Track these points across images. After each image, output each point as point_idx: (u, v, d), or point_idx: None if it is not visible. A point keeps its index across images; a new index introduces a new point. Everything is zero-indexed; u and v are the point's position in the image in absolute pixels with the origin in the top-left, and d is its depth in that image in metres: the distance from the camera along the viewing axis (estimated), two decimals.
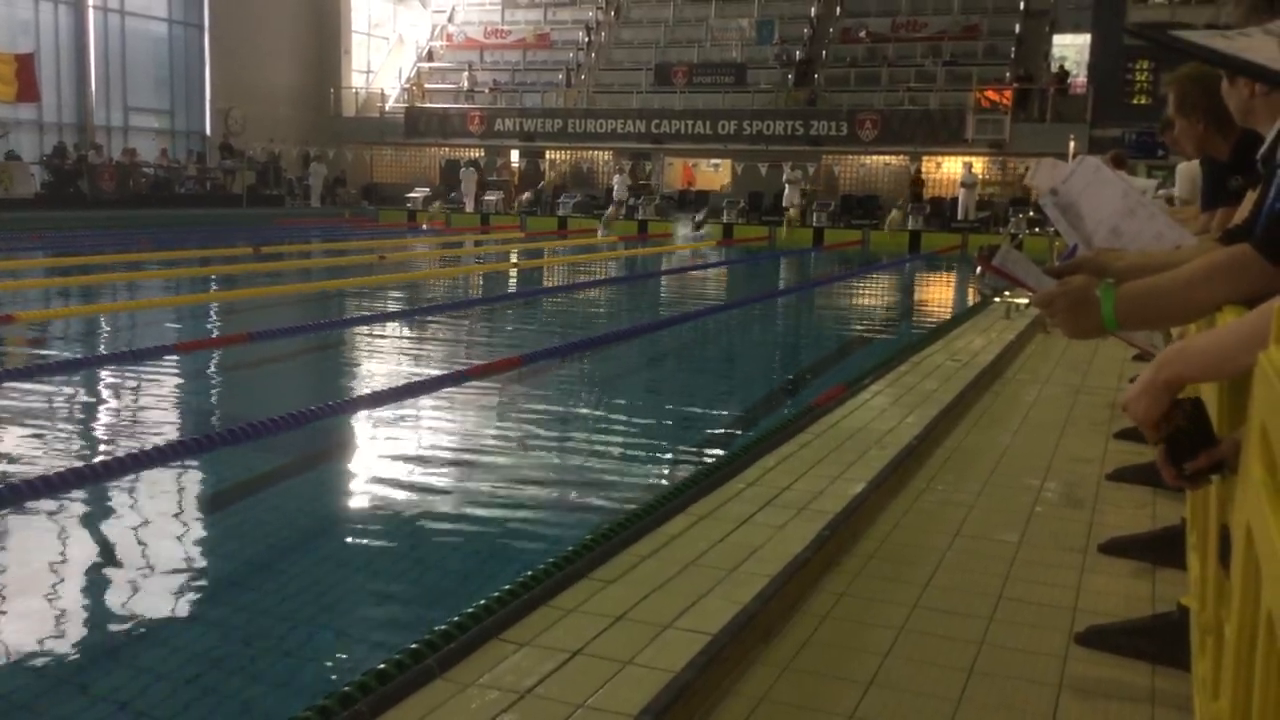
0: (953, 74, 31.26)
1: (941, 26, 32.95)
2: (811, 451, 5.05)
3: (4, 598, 3.97)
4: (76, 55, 28.98)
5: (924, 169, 30.36)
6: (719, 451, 6.08)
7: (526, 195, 32.91)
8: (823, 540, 3.78)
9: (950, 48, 32.21)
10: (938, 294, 18.41)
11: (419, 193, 33.35)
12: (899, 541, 4.07)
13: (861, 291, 16.67)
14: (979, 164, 29.74)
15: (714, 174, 34.48)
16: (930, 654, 3.07)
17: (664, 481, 5.63)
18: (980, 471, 5.05)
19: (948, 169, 30.41)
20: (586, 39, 37.17)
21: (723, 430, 6.97)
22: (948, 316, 11.40)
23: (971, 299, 13.19)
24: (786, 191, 29.85)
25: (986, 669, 2.98)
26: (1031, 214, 26.32)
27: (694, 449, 6.44)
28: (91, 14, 29.22)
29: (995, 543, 4.04)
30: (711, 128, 31.64)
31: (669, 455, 6.39)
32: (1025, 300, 11.02)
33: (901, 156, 30.58)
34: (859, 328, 13.02)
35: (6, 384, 7.50)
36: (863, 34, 33.64)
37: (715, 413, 7.73)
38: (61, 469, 5.35)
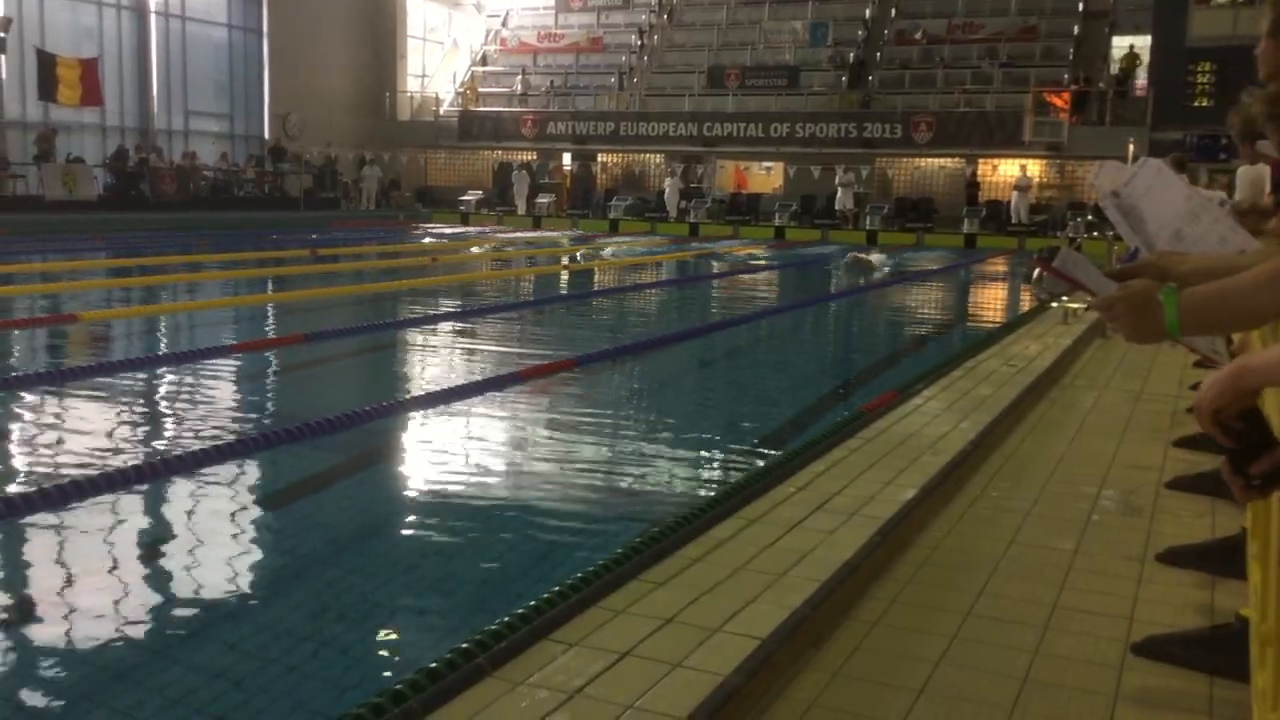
0: (1009, 76, 30.90)
1: (998, 28, 32.59)
2: (863, 457, 5.01)
3: (66, 592, 4.06)
4: (139, 60, 29.55)
5: (980, 172, 30.04)
6: (769, 455, 6.06)
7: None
8: (874, 546, 3.75)
9: (1007, 49, 31.85)
10: (993, 298, 18.20)
11: (472, 195, 33.60)
12: (952, 548, 4.03)
13: (915, 295, 16.52)
14: (1036, 167, 29.37)
15: (766, 177, 34.36)
16: (983, 662, 3.04)
17: (714, 485, 5.62)
18: (1036, 478, 4.99)
19: (1004, 171, 30.07)
20: (639, 42, 37.23)
21: (773, 434, 6.94)
22: (1003, 321, 11.27)
23: (1028, 303, 13.03)
24: (839, 195, 29.68)
25: (1041, 678, 2.94)
26: (1089, 217, 25.97)
27: (744, 453, 6.42)
28: (154, 20, 29.77)
29: (1050, 551, 3.98)
30: (764, 130, 31.54)
31: (719, 459, 6.38)
32: (1084, 304, 10.87)
33: (957, 159, 30.29)
34: (912, 332, 12.91)
35: (69, 382, 7.66)
36: (918, 35, 33.37)
37: (765, 417, 7.70)
38: (122, 466, 5.46)
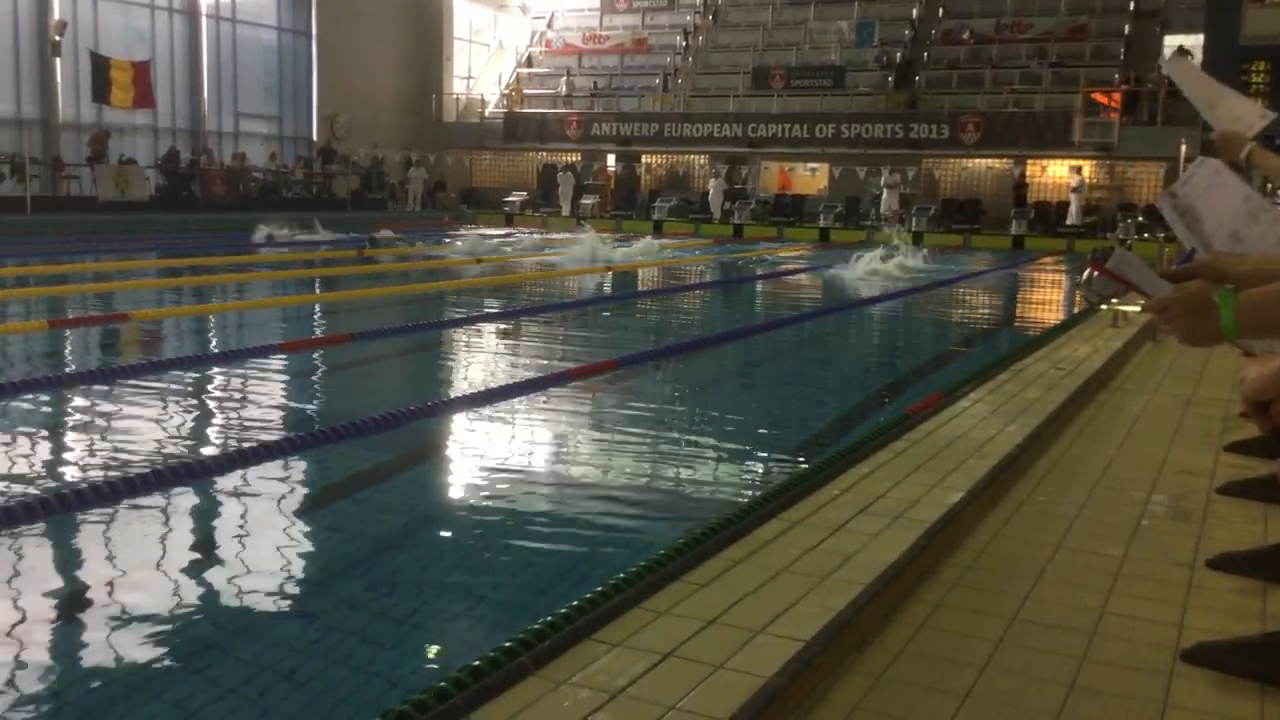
0: (1059, 76, 30.56)
1: (1047, 27, 32.25)
2: (907, 459, 4.98)
3: (119, 586, 4.12)
4: (190, 63, 29.99)
5: (1029, 172, 29.73)
6: (812, 457, 6.04)
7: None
8: (919, 549, 3.72)
9: (1056, 49, 31.50)
10: (1041, 300, 18.01)
11: (516, 197, 33.77)
12: (998, 552, 3.99)
13: (962, 297, 16.38)
14: (1086, 168, 29.02)
15: (811, 178, 34.25)
16: (1029, 667, 3.00)
17: (757, 486, 5.61)
18: (1084, 483, 4.93)
19: (1053, 172, 29.73)
20: (684, 43, 37.22)
21: (816, 436, 6.91)
22: (1052, 323, 11.15)
23: (1077, 305, 12.88)
24: (884, 196, 29.51)
25: (1088, 684, 2.90)
26: (1140, 218, 25.64)
27: (787, 454, 6.40)
28: (205, 23, 30.21)
29: (1099, 556, 3.93)
30: (809, 131, 31.41)
31: (761, 460, 6.36)
32: (1137, 307, 10.73)
33: (1005, 160, 30.00)
34: (959, 334, 12.81)
35: (120, 380, 7.79)
36: (965, 35, 33.09)
37: (808, 418, 7.67)
38: (171, 463, 5.55)
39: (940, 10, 34.46)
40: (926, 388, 7.97)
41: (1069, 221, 27.77)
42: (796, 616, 3.11)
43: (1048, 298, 18.47)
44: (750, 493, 5.39)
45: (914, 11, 34.82)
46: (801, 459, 6.14)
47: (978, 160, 30.66)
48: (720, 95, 34.23)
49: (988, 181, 30.74)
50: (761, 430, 7.23)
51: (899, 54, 33.40)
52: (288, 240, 20.90)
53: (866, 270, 17.17)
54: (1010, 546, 4.06)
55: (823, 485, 4.50)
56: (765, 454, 6.51)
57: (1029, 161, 29.77)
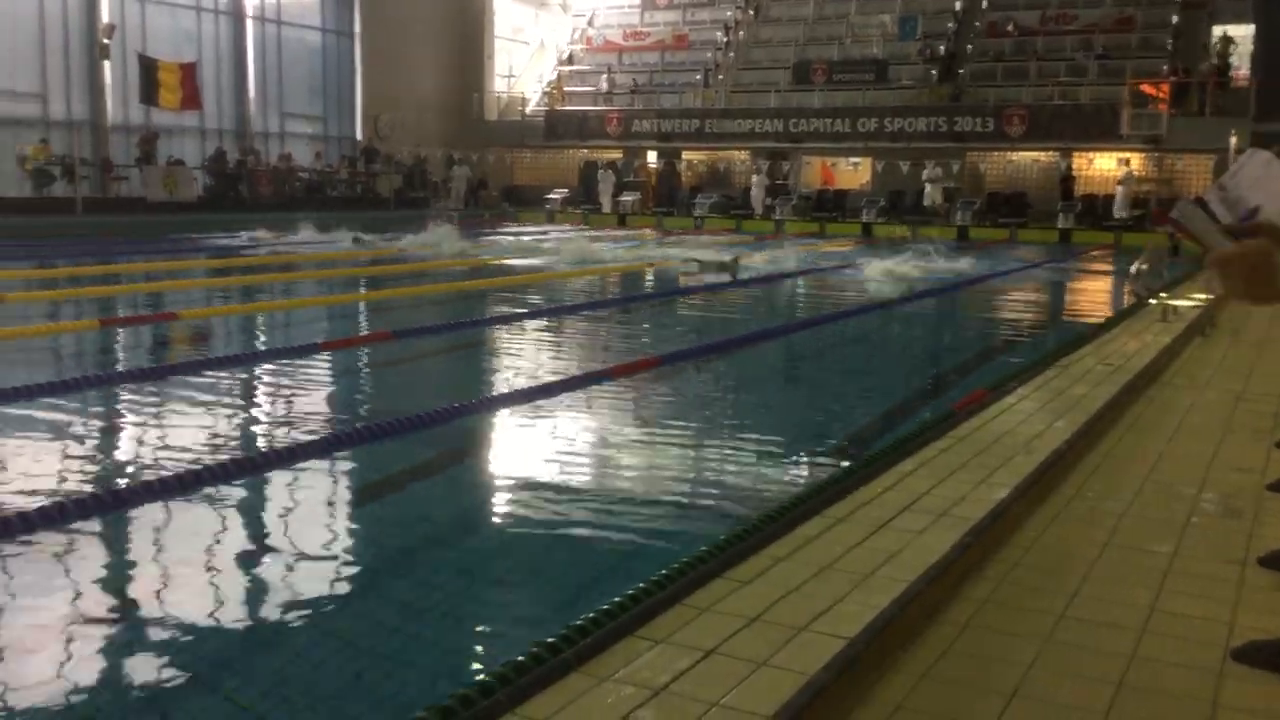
0: (1105, 68, 30.14)
1: (1093, 19, 31.81)
2: (952, 456, 4.94)
3: (170, 581, 4.19)
4: (236, 64, 30.33)
5: (1075, 165, 29.36)
6: (856, 455, 6.01)
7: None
8: (964, 547, 3.70)
9: (1102, 40, 31.08)
10: (1089, 295, 17.79)
11: (557, 194, 33.85)
12: (1045, 550, 3.95)
13: (1008, 292, 16.22)
14: (1134, 160, 28.61)
15: (853, 173, 34.02)
16: (1077, 666, 2.98)
17: (800, 484, 5.59)
18: (1132, 480, 4.87)
19: (1100, 165, 29.35)
20: (725, 39, 37.12)
21: (860, 433, 6.88)
22: (1099, 318, 11.01)
23: (1126, 300, 12.71)
24: (928, 190, 29.26)
25: (1136, 683, 2.87)
26: None
27: (830, 452, 6.37)
28: (250, 24, 30.54)
29: (1147, 554, 3.89)
30: (851, 125, 31.21)
31: (804, 457, 6.34)
32: (1187, 301, 10.56)
33: (1051, 153, 29.66)
34: (1005, 329, 12.68)
35: (169, 378, 7.91)
36: (1010, 27, 32.72)
37: (852, 416, 7.64)
38: (222, 460, 5.63)
39: (984, 2, 34.10)
40: (971, 384, 7.91)
41: (1115, 214, 27.40)
42: (840, 614, 3.10)
43: (1095, 292, 18.24)
44: (793, 490, 5.37)
45: (957, 4, 34.49)
46: (845, 456, 6.11)
47: (1023, 153, 30.33)
48: (761, 90, 34.09)
49: (1034, 175, 30.40)
50: (804, 427, 7.20)
51: (942, 47, 33.10)
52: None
53: (880, 272, 16.79)
54: (1057, 544, 4.02)
55: (866, 482, 4.48)
56: (808, 451, 6.48)
57: (1075, 154, 29.39)
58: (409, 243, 20.77)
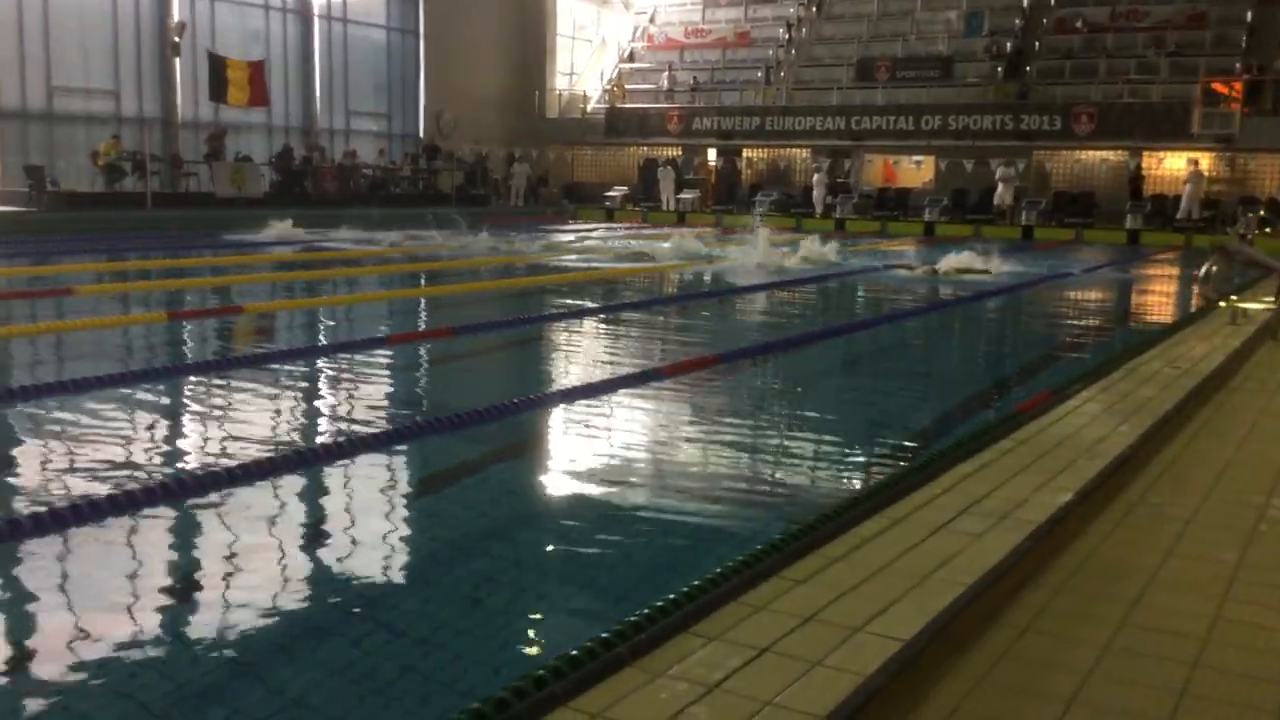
0: (1177, 65, 29.54)
1: (1165, 15, 31.19)
2: (1014, 459, 4.88)
3: (229, 570, 4.27)
4: (303, 62, 30.80)
5: (1145, 165, 28.81)
6: (914, 455, 5.95)
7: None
8: (1023, 551, 3.65)
9: (1174, 37, 30.45)
10: (1157, 296, 17.46)
11: (617, 191, 33.92)
12: (1107, 556, 3.89)
13: (1073, 293, 15.97)
14: (1205, 159, 28.01)
15: (916, 171, 33.68)
16: (1138, 674, 2.93)
17: (856, 484, 5.56)
18: (1199, 485, 4.77)
19: (1170, 165, 28.77)
20: (787, 36, 36.93)
21: (918, 434, 6.81)
22: (1167, 321, 10.81)
23: (1194, 302, 12.46)
24: (1000, 190, 28.86)
25: (1200, 692, 2.82)
26: (1262, 212, 24.68)
27: (887, 452, 6.32)
28: (317, 23, 30.99)
29: (1213, 562, 3.81)
30: (915, 123, 30.91)
31: (861, 457, 6.29)
32: (1257, 305, 10.32)
33: (1120, 152, 29.13)
34: (1069, 331, 12.49)
35: (234, 369, 8.05)
36: (1079, 24, 32.19)
37: (911, 416, 7.56)
38: (284, 453, 5.72)
39: None
40: (1035, 386, 7.80)
41: (1180, 215, 26.87)
42: (896, 616, 3.07)
43: (1164, 294, 17.89)
44: (850, 490, 5.34)
45: (1025, 1, 34.00)
46: (903, 457, 6.05)
47: (1091, 152, 29.82)
48: (823, 88, 33.88)
49: (1102, 174, 29.88)
50: (862, 427, 7.15)
51: (1009, 44, 32.65)
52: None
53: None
54: (1120, 550, 3.96)
55: (925, 484, 4.44)
56: (865, 451, 6.44)
57: (1145, 154, 28.84)
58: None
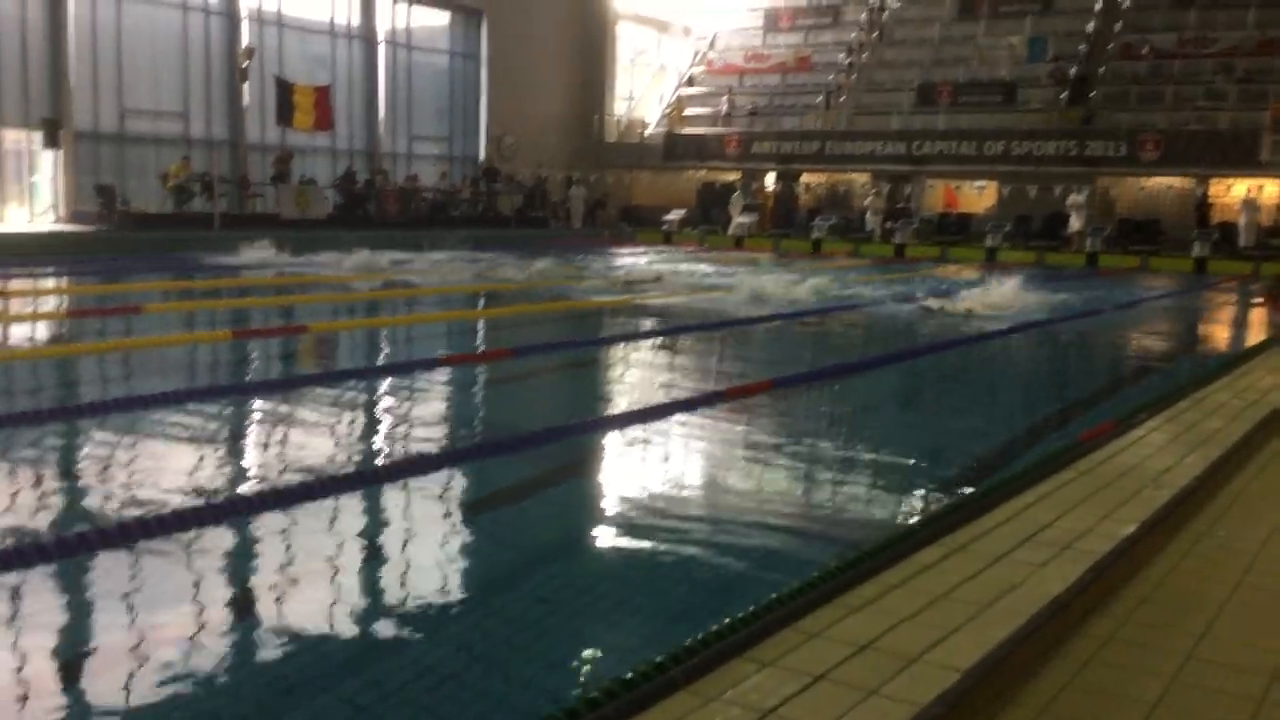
0: (1246, 92, 29.02)
1: (1234, 41, 30.66)
2: (1077, 489, 4.80)
3: (291, 585, 4.31)
4: (367, 87, 31.30)
5: (1212, 192, 28.30)
6: (975, 484, 5.87)
7: None
8: (1086, 582, 3.58)
9: (1244, 64, 29.92)
10: (1224, 326, 17.10)
11: (674, 215, 33.97)
12: (1173, 588, 3.80)
13: (1138, 321, 15.69)
14: (1274, 188, 27.45)
15: (977, 196, 33.36)
16: (1205, 709, 2.85)
17: (914, 512, 5.49)
18: (1268, 518, 4.66)
19: (1238, 192, 28.24)
20: (848, 60, 36.86)
21: (978, 463, 6.72)
22: (1234, 351, 10.57)
23: (1263, 332, 12.18)
24: (1071, 218, 28.48)
25: None
26: None
27: (946, 480, 6.23)
28: (381, 49, 31.50)
29: None
30: (977, 148, 30.64)
31: (920, 485, 6.22)
32: None
33: (1186, 179, 28.65)
34: (1134, 360, 12.27)
35: (296, 389, 8.16)
36: (1145, 50, 31.76)
37: (973, 444, 7.46)
38: (346, 471, 5.79)
39: (1118, 24, 33.18)
40: (1098, 416, 7.67)
41: (1242, 244, 26.36)
42: (954, 645, 3.03)
43: (1231, 323, 17.53)
44: (908, 518, 5.27)
45: (1089, 26, 33.63)
46: (964, 485, 5.97)
47: (1157, 179, 29.35)
48: (883, 113, 33.73)
49: (1168, 201, 29.38)
50: (921, 455, 7.07)
51: (1073, 70, 32.30)
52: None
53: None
54: (1186, 582, 3.87)
55: (985, 513, 4.38)
56: (924, 479, 6.36)
57: (1213, 181, 28.33)
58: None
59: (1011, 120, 31.07)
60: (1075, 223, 28.42)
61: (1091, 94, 31.45)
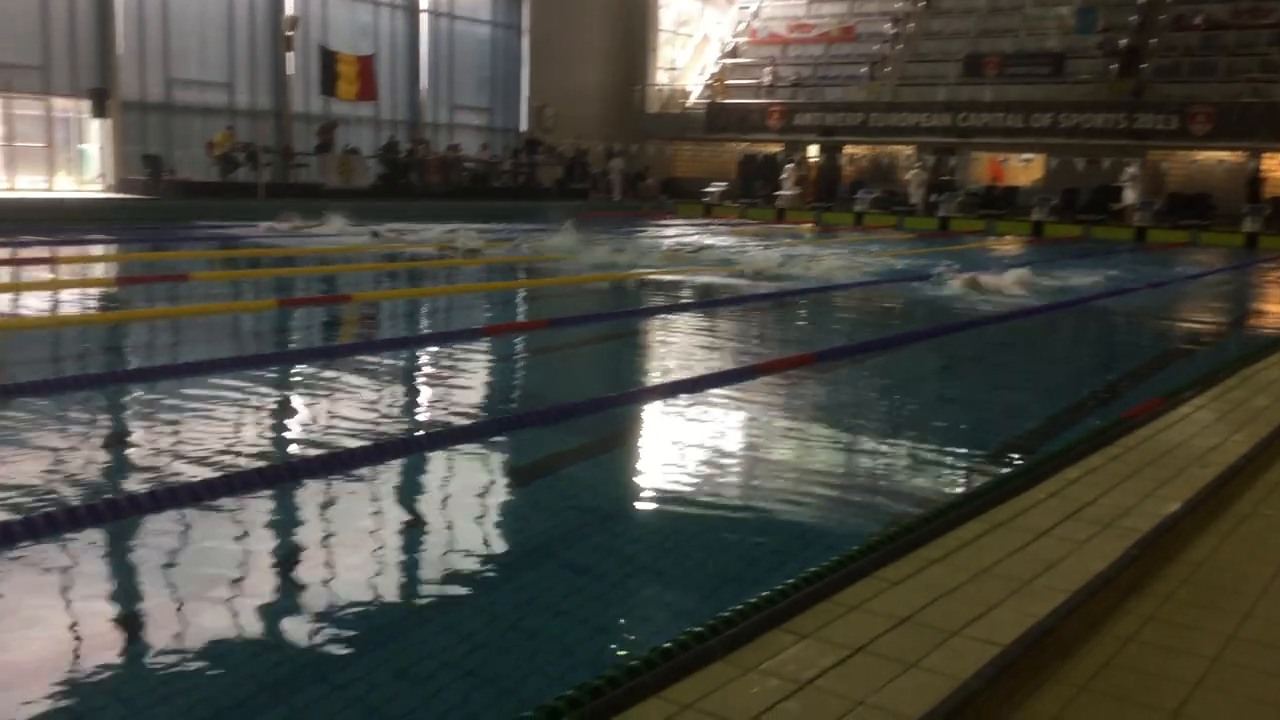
0: None
1: None
2: (1121, 465, 4.75)
3: (331, 553, 4.38)
4: (410, 57, 31.36)
5: (1265, 166, 27.75)
6: (1017, 460, 5.83)
7: None
8: (1129, 559, 3.55)
9: None
10: (1274, 303, 16.81)
11: (715, 187, 33.81)
12: (1217, 567, 3.76)
13: (1187, 297, 15.47)
14: None
15: (1025, 169, 32.91)
16: (1247, 688, 2.83)
17: (956, 486, 5.47)
18: None
19: None
20: (893, 30, 36.41)
21: (1021, 438, 6.67)
22: None
23: None
24: (1126, 190, 28.05)
25: None
26: None
27: (989, 455, 6.19)
28: (424, 19, 31.53)
29: None
30: (1024, 120, 30.22)
31: (962, 459, 6.18)
32: None
33: (1239, 153, 28.11)
34: (1182, 336, 12.10)
35: (340, 358, 8.24)
36: (1198, 21, 31.11)
37: (1014, 419, 7.40)
38: (381, 440, 5.85)
39: None
40: (1144, 392, 7.58)
41: None
42: (995, 620, 3.02)
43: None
44: (949, 492, 5.25)
45: None
46: (1006, 461, 5.93)
47: (1208, 153, 28.82)
48: (929, 84, 33.32)
49: (1219, 175, 28.86)
50: (963, 429, 7.02)
51: (1124, 41, 31.72)
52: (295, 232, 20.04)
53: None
54: (1231, 561, 3.83)
55: (1028, 488, 4.35)
56: (966, 453, 6.32)
57: (1266, 155, 27.77)
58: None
59: (1060, 92, 30.61)
60: (1130, 196, 28.00)
61: (1142, 65, 30.88)
